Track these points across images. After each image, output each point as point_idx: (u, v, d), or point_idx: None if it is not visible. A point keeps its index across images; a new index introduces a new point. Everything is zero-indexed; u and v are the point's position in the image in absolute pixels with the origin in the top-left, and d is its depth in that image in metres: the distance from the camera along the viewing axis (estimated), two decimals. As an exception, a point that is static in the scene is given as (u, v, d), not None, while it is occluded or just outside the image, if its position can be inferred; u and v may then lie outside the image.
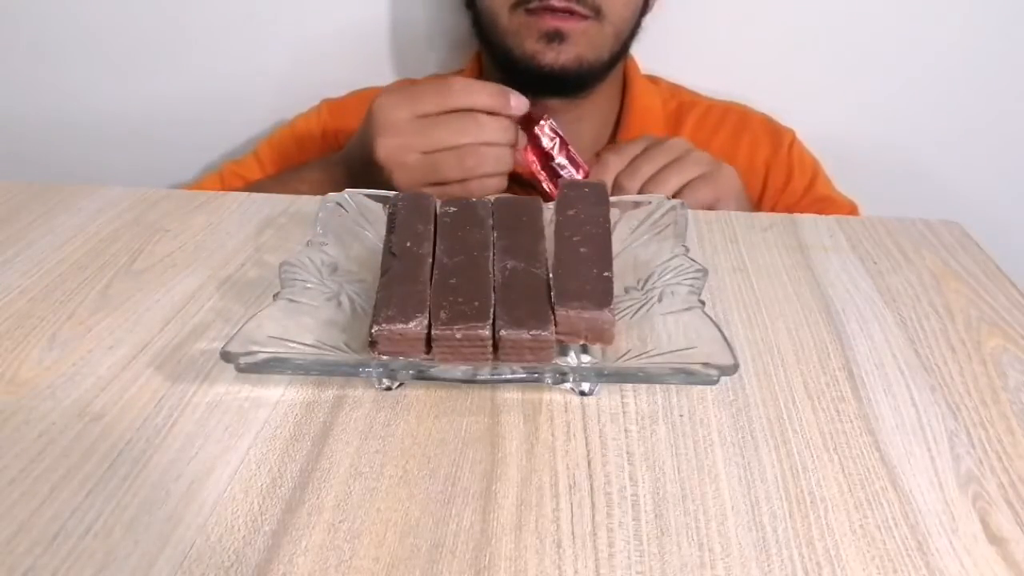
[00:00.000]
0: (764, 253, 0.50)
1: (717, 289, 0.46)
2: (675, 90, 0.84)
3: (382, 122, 0.57)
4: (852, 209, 0.77)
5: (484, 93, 0.57)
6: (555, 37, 0.69)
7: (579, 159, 0.64)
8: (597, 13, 0.70)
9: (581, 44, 0.70)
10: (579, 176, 0.64)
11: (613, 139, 0.79)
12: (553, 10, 0.68)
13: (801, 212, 0.59)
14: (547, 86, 0.73)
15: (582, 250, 0.40)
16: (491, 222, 0.44)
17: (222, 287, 0.46)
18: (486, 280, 0.39)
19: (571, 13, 0.69)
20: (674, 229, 0.45)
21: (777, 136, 0.81)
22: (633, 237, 0.46)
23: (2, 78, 0.92)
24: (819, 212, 0.64)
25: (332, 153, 0.68)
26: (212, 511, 0.31)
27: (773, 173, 0.79)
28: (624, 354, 0.38)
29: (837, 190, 0.80)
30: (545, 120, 0.63)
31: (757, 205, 0.79)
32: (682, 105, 0.82)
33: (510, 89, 0.58)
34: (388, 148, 0.57)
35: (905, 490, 0.32)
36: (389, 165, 0.57)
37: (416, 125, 0.57)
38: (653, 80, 0.83)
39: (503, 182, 0.59)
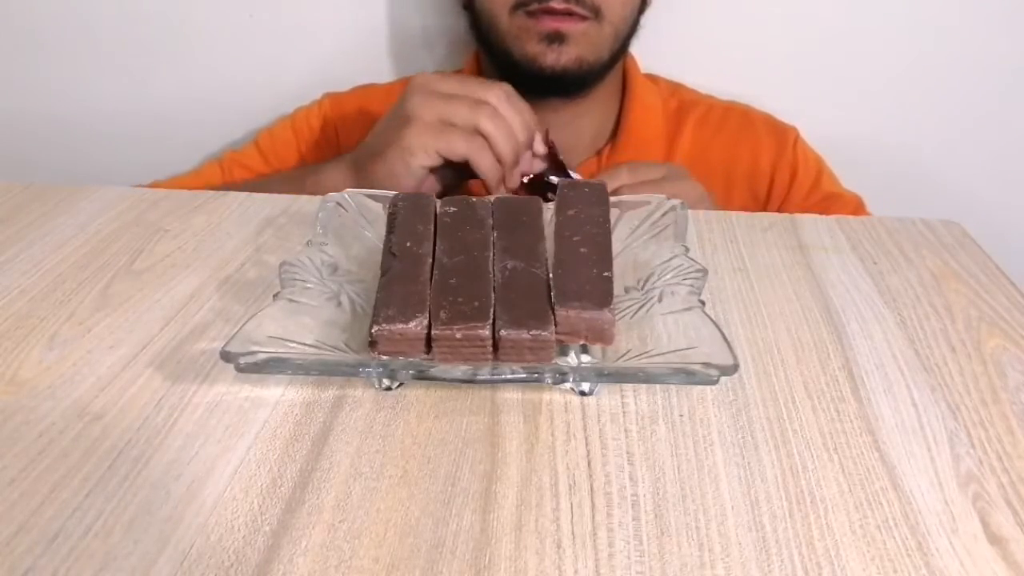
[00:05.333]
0: (764, 253, 0.50)
1: (717, 289, 0.46)
2: (675, 89, 0.84)
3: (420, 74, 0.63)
4: (858, 204, 0.77)
5: (524, 105, 0.61)
6: (555, 39, 0.69)
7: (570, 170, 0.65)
8: (596, 14, 0.70)
9: (581, 45, 0.70)
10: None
11: (613, 137, 0.79)
12: (553, 12, 0.69)
13: (808, 210, 0.59)
14: (548, 87, 0.73)
15: (582, 250, 0.40)
16: (491, 222, 0.44)
17: (222, 287, 0.46)
18: (486, 280, 0.39)
19: (571, 14, 0.69)
20: (674, 229, 0.45)
21: (781, 135, 0.81)
22: (633, 237, 0.46)
23: (2, 78, 0.92)
24: (826, 209, 0.64)
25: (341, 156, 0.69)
26: (212, 511, 0.31)
27: (779, 172, 0.79)
28: (624, 354, 0.38)
29: (842, 186, 0.80)
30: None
31: (763, 205, 0.79)
32: (683, 104, 0.82)
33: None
34: (418, 79, 0.61)
35: (905, 490, 0.32)
36: (411, 90, 0.60)
37: (451, 76, 0.62)
38: (652, 79, 0.83)
39: (499, 170, 0.60)
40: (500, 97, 0.59)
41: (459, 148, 0.58)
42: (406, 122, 0.59)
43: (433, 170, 0.60)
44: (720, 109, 0.82)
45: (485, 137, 0.58)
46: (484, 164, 0.59)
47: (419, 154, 0.59)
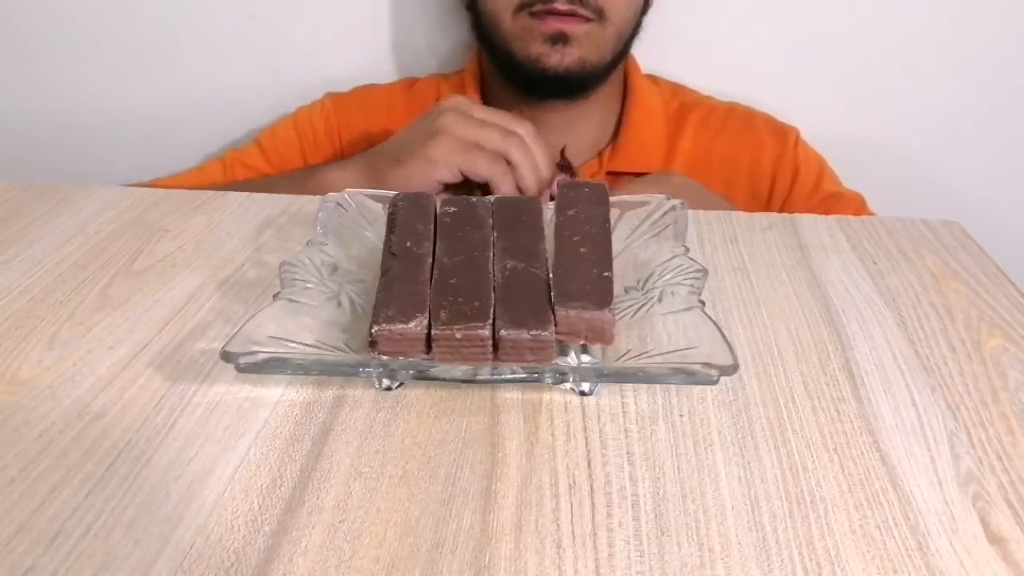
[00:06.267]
0: (764, 253, 0.50)
1: (717, 289, 0.46)
2: (676, 90, 0.84)
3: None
4: (860, 204, 0.77)
5: (543, 148, 0.62)
6: (559, 39, 0.69)
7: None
8: (600, 15, 0.70)
9: (584, 46, 0.70)
10: None
11: (614, 139, 0.79)
12: (557, 13, 0.69)
13: (810, 211, 0.59)
14: (550, 88, 0.73)
15: (582, 250, 0.40)
16: (491, 222, 0.44)
17: (222, 287, 0.46)
18: (486, 280, 0.39)
19: (574, 15, 0.69)
20: (674, 229, 0.45)
21: (781, 135, 0.80)
22: (633, 237, 0.46)
23: (2, 78, 0.92)
24: (828, 210, 0.65)
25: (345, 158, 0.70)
26: (212, 511, 0.31)
27: (780, 173, 0.79)
28: (624, 354, 0.38)
29: (843, 185, 0.80)
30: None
31: (765, 205, 0.79)
32: (684, 105, 0.82)
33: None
34: (451, 100, 0.62)
35: (905, 490, 0.32)
36: (443, 107, 0.61)
37: (481, 104, 0.64)
38: (653, 80, 0.83)
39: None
40: (528, 131, 0.61)
41: (482, 169, 0.59)
42: (435, 135, 0.60)
43: (448, 187, 0.61)
44: (721, 110, 0.82)
45: (512, 165, 0.60)
46: (504, 190, 0.60)
47: (441, 168, 0.59)
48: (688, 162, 0.78)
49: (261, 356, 0.35)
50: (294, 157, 0.81)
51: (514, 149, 0.60)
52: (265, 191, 0.63)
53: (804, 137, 0.81)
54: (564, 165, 0.66)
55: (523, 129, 0.61)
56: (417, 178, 0.60)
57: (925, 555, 0.30)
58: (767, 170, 0.79)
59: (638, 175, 0.74)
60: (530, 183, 0.60)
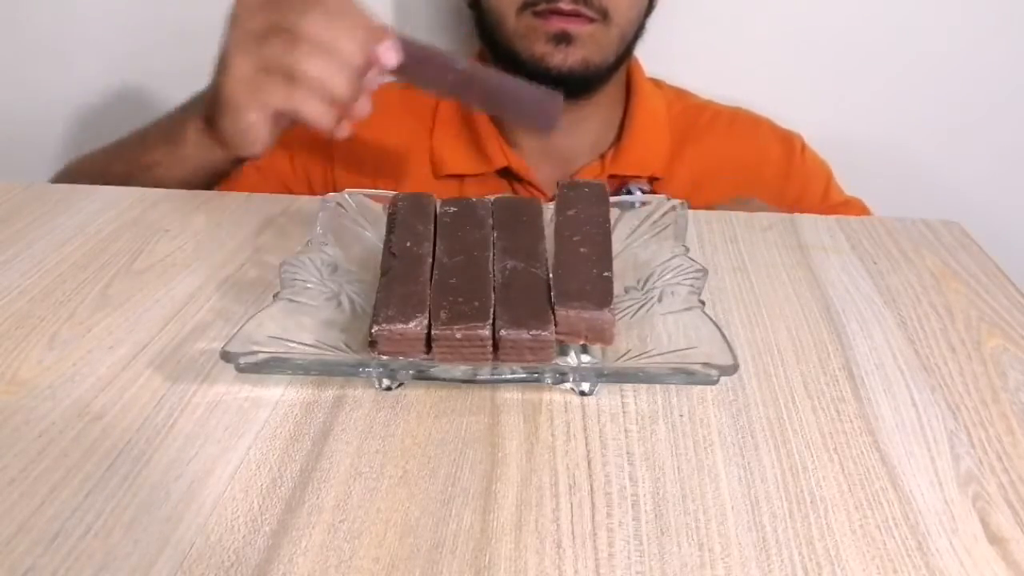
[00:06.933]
0: (764, 253, 0.50)
1: (717, 289, 0.46)
2: (679, 93, 0.84)
3: None
4: (861, 209, 0.77)
5: (356, 13, 0.51)
6: (563, 39, 0.69)
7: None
8: (604, 15, 0.70)
9: (588, 46, 0.70)
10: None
11: (617, 142, 0.78)
12: (561, 12, 0.69)
13: None
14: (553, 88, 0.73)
15: (582, 250, 0.40)
16: (491, 222, 0.44)
17: (222, 287, 0.46)
18: (486, 280, 0.39)
19: (578, 15, 0.69)
20: (674, 229, 0.45)
21: (787, 143, 0.80)
22: (633, 237, 0.46)
23: (2, 78, 0.92)
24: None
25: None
26: (212, 511, 0.31)
27: (789, 182, 0.79)
28: (624, 354, 0.38)
29: (844, 192, 0.80)
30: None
31: None
32: (687, 109, 0.82)
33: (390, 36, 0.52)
34: (229, 17, 0.52)
35: (905, 490, 0.32)
36: (227, 22, 0.51)
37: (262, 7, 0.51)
38: (656, 83, 0.83)
39: (332, 113, 0.52)
40: (318, 22, 0.48)
41: (276, 102, 0.51)
42: (222, 69, 0.52)
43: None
44: (725, 115, 0.82)
45: (310, 80, 0.49)
46: (309, 115, 0.51)
47: (243, 112, 0.52)
48: (692, 166, 0.78)
49: (261, 356, 0.35)
50: (279, 150, 0.81)
51: (302, 62, 0.49)
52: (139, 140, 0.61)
53: (807, 141, 0.81)
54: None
55: (310, 21, 0.48)
56: (230, 128, 0.52)
57: (925, 555, 0.30)
58: (773, 177, 0.79)
59: (640, 178, 0.74)
60: (339, 90, 0.50)
